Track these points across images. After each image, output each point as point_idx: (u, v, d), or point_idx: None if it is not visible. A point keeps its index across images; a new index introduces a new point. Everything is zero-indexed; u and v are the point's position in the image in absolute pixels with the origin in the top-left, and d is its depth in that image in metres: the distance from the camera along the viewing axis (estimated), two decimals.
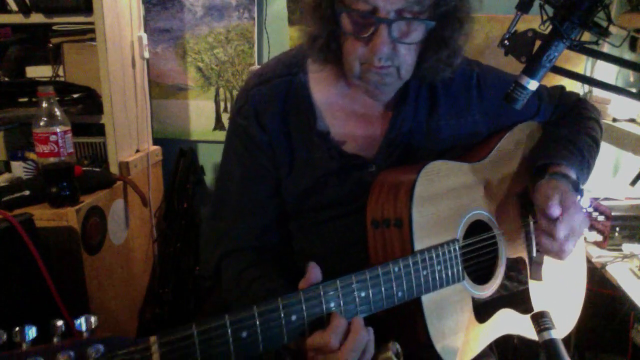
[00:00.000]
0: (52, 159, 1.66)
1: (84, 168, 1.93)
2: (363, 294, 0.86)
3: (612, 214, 1.79)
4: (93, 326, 0.67)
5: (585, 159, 1.13)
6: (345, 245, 1.08)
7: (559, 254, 1.01)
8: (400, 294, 0.90)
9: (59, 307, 1.54)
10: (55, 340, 0.64)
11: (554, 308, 1.11)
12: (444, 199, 1.01)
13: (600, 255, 1.77)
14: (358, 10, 0.94)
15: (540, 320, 0.98)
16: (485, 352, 1.10)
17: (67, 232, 1.72)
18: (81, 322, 0.66)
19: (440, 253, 0.96)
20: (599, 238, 1.83)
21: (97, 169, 2.04)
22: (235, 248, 1.12)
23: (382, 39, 0.94)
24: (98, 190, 1.92)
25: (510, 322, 1.11)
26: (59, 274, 1.57)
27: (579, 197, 1.08)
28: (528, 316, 1.09)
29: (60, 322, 0.65)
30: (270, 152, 1.10)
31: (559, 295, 1.21)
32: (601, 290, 1.86)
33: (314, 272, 0.84)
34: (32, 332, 0.63)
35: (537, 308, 1.13)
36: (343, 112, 1.11)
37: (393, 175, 1.02)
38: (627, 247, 1.78)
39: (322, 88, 1.11)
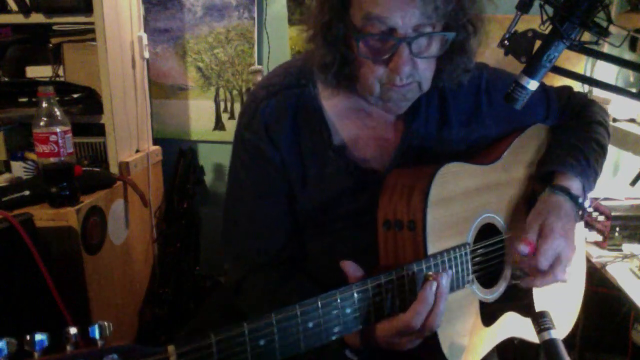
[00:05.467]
0: (52, 159, 1.67)
1: (84, 168, 1.93)
2: (378, 299, 0.85)
3: (612, 214, 1.79)
4: (108, 333, 0.64)
5: (591, 167, 1.12)
6: (358, 252, 1.07)
7: (545, 284, 1.01)
8: (413, 298, 0.89)
9: (59, 307, 1.54)
10: (68, 348, 0.61)
11: (553, 309, 1.10)
12: (457, 202, 1.00)
13: (600, 255, 1.76)
14: (375, 34, 0.92)
15: (540, 320, 0.98)
16: (488, 353, 1.10)
17: (67, 232, 1.71)
18: (95, 330, 0.63)
19: (453, 257, 0.95)
20: (599, 238, 1.83)
21: (97, 169, 2.04)
22: (256, 267, 1.10)
23: (403, 58, 0.91)
24: (98, 190, 1.92)
25: (514, 325, 1.11)
26: (59, 274, 1.57)
27: (580, 211, 1.07)
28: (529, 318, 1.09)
29: (73, 330, 0.62)
30: (282, 169, 1.07)
31: (559, 296, 1.20)
32: (601, 290, 1.86)
33: (350, 269, 0.88)
34: (43, 341, 0.60)
35: (538, 309, 1.13)
36: (354, 123, 1.09)
37: (405, 175, 1.00)
38: (627, 247, 1.77)
39: (332, 99, 1.08)
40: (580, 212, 1.07)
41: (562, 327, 1.22)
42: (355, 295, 0.83)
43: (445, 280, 0.88)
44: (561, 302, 1.21)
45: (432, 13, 0.89)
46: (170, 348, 0.66)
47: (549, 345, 0.95)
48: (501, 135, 1.17)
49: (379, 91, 0.98)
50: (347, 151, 1.07)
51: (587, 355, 2.05)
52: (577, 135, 1.17)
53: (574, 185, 1.08)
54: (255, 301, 1.09)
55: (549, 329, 0.96)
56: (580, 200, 1.07)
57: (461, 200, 1.01)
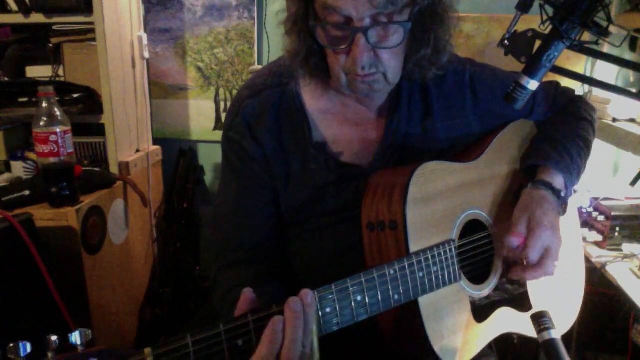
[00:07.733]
0: (52, 159, 1.66)
1: (84, 168, 1.93)
2: (359, 298, 0.85)
3: (612, 214, 1.79)
4: (88, 339, 0.66)
5: (574, 162, 1.13)
6: (342, 249, 1.08)
7: (535, 277, 1.01)
8: (396, 296, 0.90)
9: (59, 307, 1.54)
10: (49, 355, 0.64)
11: (552, 305, 1.11)
12: (438, 200, 1.01)
13: (600, 255, 1.77)
14: (332, 23, 0.93)
15: (540, 320, 0.98)
16: (485, 352, 1.10)
17: (67, 232, 1.72)
18: (75, 336, 0.66)
19: (436, 254, 0.96)
20: (599, 238, 1.83)
21: (97, 169, 2.04)
22: (231, 262, 1.12)
23: (360, 48, 0.92)
24: (98, 190, 1.92)
25: (509, 321, 1.11)
26: (59, 274, 1.57)
27: (563, 205, 1.08)
28: (527, 314, 1.09)
29: (54, 337, 0.64)
30: (265, 165, 1.09)
31: (558, 293, 1.20)
32: (601, 290, 1.86)
33: (245, 297, 0.79)
34: (26, 347, 0.63)
35: (535, 305, 1.13)
36: (337, 120, 1.10)
37: (387, 176, 1.02)
38: (627, 247, 1.78)
39: (314, 97, 1.10)
40: (563, 206, 1.09)
41: (561, 327, 1.22)
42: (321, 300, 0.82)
43: (291, 307, 0.75)
44: (561, 302, 1.21)
45: (386, 3, 0.89)
46: (147, 350, 0.67)
47: (549, 345, 0.95)
48: (485, 131, 1.18)
49: (345, 81, 0.99)
50: (327, 147, 1.09)
51: (587, 355, 2.05)
52: (561, 130, 1.18)
53: (557, 179, 1.09)
54: (220, 298, 1.10)
55: (548, 328, 0.96)
56: (563, 194, 1.08)
57: (443, 198, 1.01)
